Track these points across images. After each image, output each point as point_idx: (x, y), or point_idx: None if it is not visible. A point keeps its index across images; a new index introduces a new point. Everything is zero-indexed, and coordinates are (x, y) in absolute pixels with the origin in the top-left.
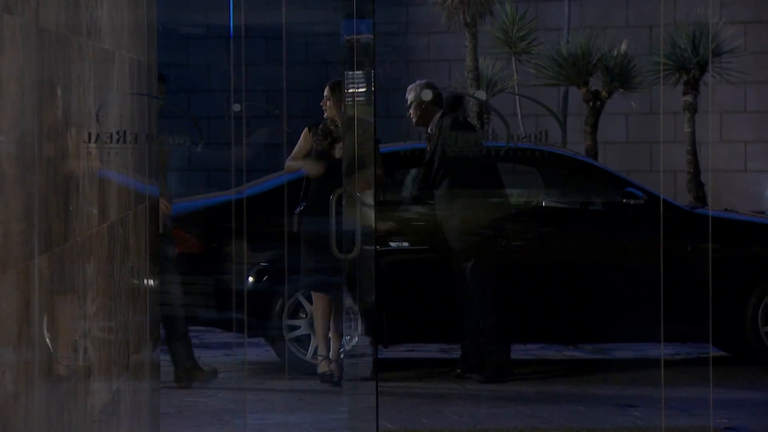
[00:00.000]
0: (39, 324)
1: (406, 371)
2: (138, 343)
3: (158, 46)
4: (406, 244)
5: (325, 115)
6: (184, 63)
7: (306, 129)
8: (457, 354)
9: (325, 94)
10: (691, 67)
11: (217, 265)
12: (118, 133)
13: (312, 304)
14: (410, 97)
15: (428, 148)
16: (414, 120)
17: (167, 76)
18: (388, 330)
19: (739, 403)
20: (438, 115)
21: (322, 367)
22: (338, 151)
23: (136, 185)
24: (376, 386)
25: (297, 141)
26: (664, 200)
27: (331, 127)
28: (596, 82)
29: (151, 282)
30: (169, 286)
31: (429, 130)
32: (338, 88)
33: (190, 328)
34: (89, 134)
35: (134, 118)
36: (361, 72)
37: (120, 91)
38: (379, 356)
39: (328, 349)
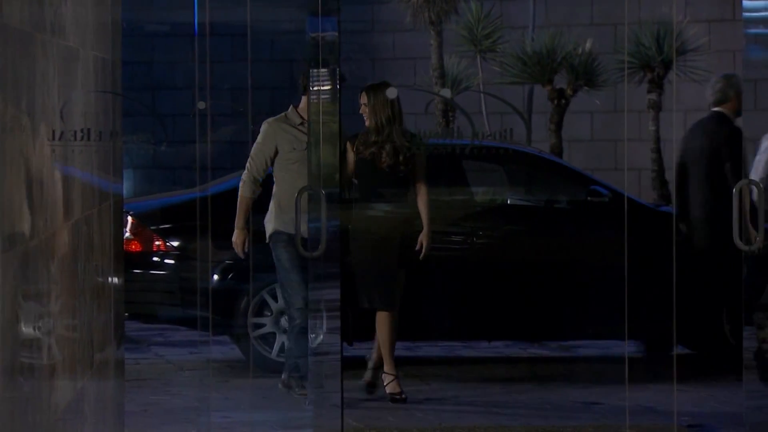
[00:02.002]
0: (3, 322)
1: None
2: (102, 341)
3: (123, 43)
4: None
5: (366, 123)
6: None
7: (347, 143)
8: (421, 351)
9: (362, 100)
10: (655, 65)
11: (181, 263)
12: (82, 130)
13: (276, 302)
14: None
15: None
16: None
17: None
18: (354, 327)
19: (702, 401)
20: None
21: (393, 388)
22: (386, 156)
23: (100, 183)
24: (341, 384)
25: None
26: (628, 198)
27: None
28: (561, 81)
29: (115, 280)
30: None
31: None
32: (372, 93)
33: (155, 326)
34: (53, 132)
35: (98, 116)
36: (326, 69)
37: (84, 89)
38: (344, 354)
39: (395, 367)
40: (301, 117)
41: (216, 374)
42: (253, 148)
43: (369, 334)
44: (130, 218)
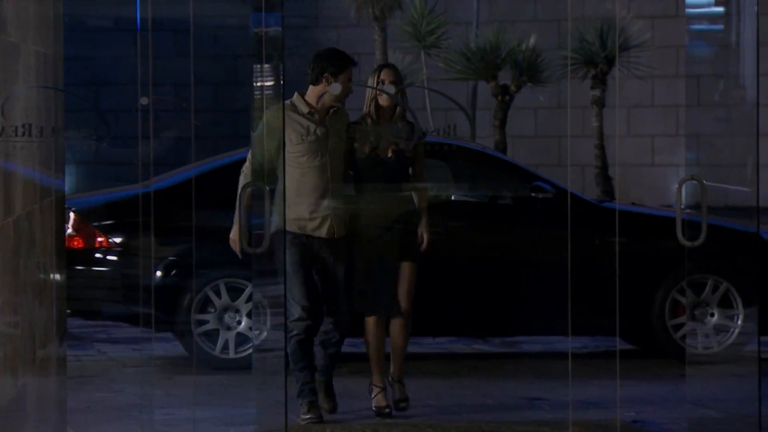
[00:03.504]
0: None
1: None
2: (44, 338)
3: (65, 38)
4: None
5: (367, 109)
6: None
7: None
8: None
9: (386, 78)
10: (598, 61)
11: (124, 259)
12: (23, 126)
13: (220, 299)
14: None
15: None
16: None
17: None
18: None
19: (646, 396)
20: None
21: (378, 402)
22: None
23: (42, 179)
24: (285, 380)
25: (205, 134)
26: (572, 194)
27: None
28: (505, 77)
29: (57, 276)
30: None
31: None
32: (396, 72)
33: (98, 323)
34: None
35: (40, 112)
36: (269, 65)
37: (26, 85)
38: (288, 350)
39: (383, 378)
40: (309, 105)
41: (159, 371)
42: (253, 138)
43: None
44: (72, 214)
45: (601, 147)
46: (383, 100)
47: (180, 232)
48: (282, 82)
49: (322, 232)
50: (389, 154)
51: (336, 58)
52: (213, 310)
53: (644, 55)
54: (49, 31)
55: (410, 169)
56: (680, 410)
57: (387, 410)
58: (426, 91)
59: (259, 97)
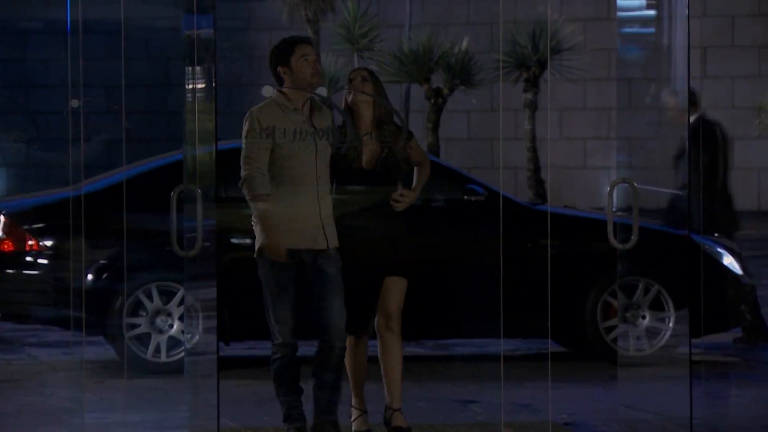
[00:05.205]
0: None
1: (247, 369)
2: None
3: None
4: (248, 240)
5: (345, 120)
6: (22, 58)
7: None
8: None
9: (359, 86)
10: (531, 64)
11: (55, 262)
12: None
13: (152, 302)
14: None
15: None
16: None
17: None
18: (230, 327)
19: (578, 399)
20: None
21: (359, 426)
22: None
23: None
24: (218, 384)
25: (136, 137)
26: (504, 197)
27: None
28: (438, 79)
29: None
30: None
31: None
32: (374, 77)
33: (28, 327)
34: None
35: None
36: (201, 67)
37: None
38: (220, 354)
39: (362, 401)
40: (292, 102)
41: (90, 375)
42: (244, 144)
43: (246, 334)
44: (2, 217)
45: (534, 150)
46: (363, 107)
47: (111, 235)
48: (214, 84)
49: (314, 244)
50: (372, 165)
51: (277, 46)
52: (145, 314)
53: (576, 59)
54: None
55: (414, 168)
56: (612, 412)
57: None
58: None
59: (190, 99)
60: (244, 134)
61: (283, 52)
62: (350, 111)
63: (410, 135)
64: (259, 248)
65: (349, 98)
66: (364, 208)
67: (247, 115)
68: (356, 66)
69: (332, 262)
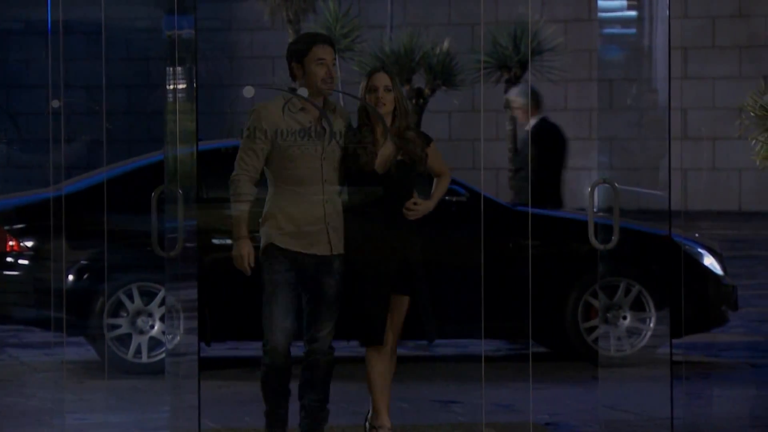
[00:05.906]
0: None
1: (229, 369)
2: None
3: None
4: (228, 241)
5: (360, 121)
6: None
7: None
8: None
9: (379, 83)
10: (512, 65)
11: (36, 263)
12: None
13: (132, 302)
14: None
15: None
16: None
17: None
18: (211, 327)
19: (559, 399)
20: None
21: None
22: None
23: None
24: (199, 384)
25: (117, 137)
26: (485, 197)
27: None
28: (419, 80)
29: None
30: None
31: None
32: (394, 77)
33: (9, 327)
34: None
35: None
36: (182, 68)
37: None
38: (201, 354)
39: (386, 417)
40: (307, 99)
41: (71, 375)
42: (241, 142)
43: (226, 335)
44: None
45: (515, 150)
46: (382, 109)
47: (92, 236)
48: (195, 85)
49: (318, 249)
50: (386, 169)
51: (296, 42)
52: (125, 314)
53: (557, 59)
54: None
55: (432, 176)
56: (593, 412)
57: None
58: (340, 94)
59: (171, 100)
60: (245, 130)
61: (300, 50)
62: (367, 114)
63: (428, 139)
64: (262, 248)
65: (369, 105)
66: (376, 215)
67: (252, 109)
68: (337, 68)
69: (333, 273)
